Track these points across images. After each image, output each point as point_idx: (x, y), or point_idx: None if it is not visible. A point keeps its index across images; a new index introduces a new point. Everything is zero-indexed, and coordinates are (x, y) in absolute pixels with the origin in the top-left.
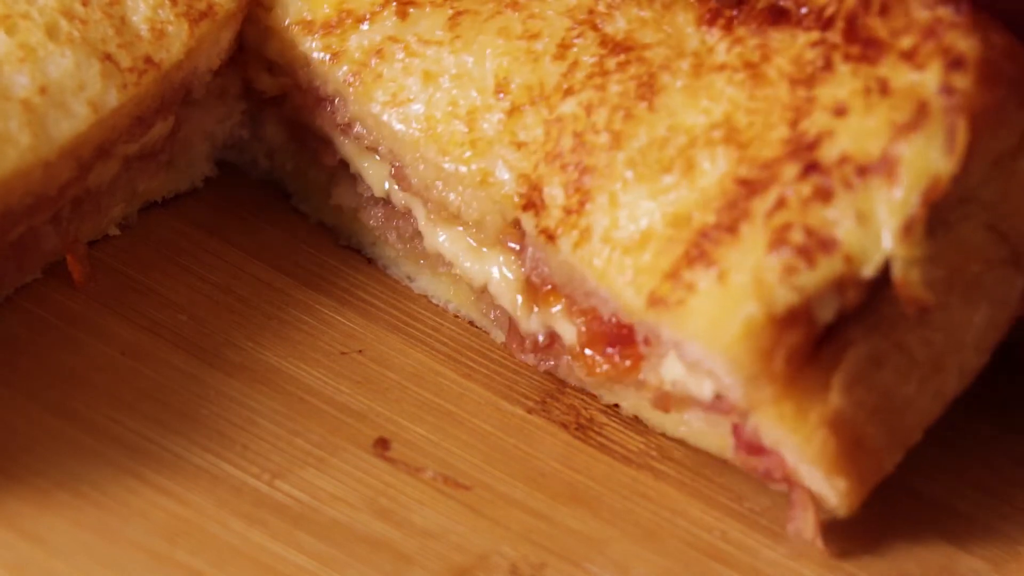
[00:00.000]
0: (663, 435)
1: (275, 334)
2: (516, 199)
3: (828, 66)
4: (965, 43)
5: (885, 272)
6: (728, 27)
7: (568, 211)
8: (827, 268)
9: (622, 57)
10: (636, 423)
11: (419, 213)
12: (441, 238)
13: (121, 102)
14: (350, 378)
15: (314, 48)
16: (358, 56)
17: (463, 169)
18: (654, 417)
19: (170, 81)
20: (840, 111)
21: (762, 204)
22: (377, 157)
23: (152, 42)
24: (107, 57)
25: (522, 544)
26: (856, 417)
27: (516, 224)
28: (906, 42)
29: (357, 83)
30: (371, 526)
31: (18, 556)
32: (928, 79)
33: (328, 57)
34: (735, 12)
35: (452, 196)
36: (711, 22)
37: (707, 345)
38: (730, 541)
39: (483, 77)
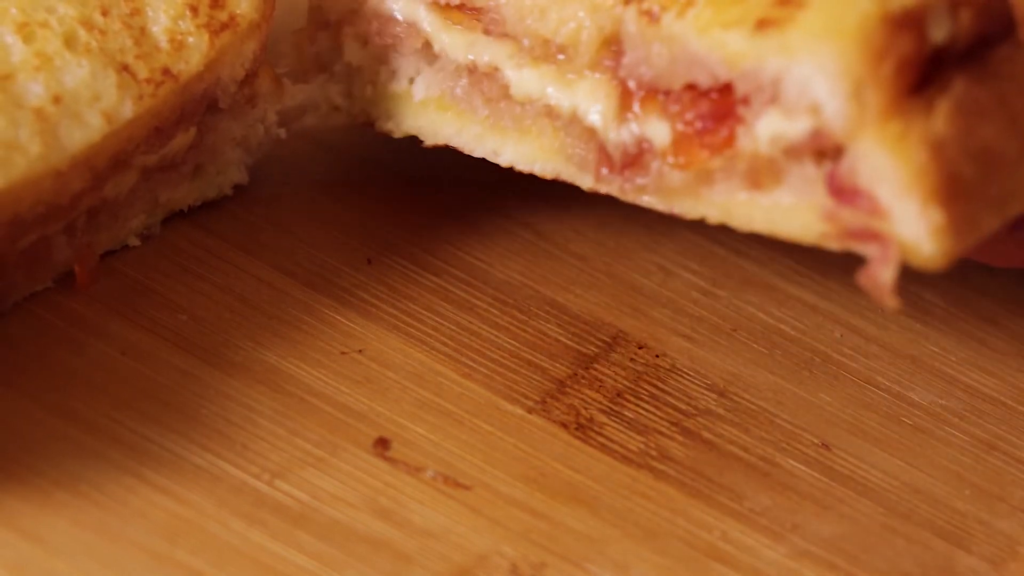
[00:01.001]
0: (749, 234)
1: (275, 334)
2: (621, 3)
3: None
4: None
5: (1004, 28)
6: None
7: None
8: None
9: None
10: (636, 423)
11: (506, 64)
12: (530, 79)
13: (137, 113)
14: (350, 378)
15: None
16: None
17: None
18: (742, 213)
19: (190, 92)
20: None
21: None
22: (456, 28)
23: (171, 53)
24: (124, 68)
25: (522, 544)
26: (956, 151)
27: (609, 41)
28: None
29: None
30: (371, 526)
31: (18, 555)
32: None
33: None
34: None
35: (548, 21)
36: None
37: (818, 52)
38: (730, 541)
39: None
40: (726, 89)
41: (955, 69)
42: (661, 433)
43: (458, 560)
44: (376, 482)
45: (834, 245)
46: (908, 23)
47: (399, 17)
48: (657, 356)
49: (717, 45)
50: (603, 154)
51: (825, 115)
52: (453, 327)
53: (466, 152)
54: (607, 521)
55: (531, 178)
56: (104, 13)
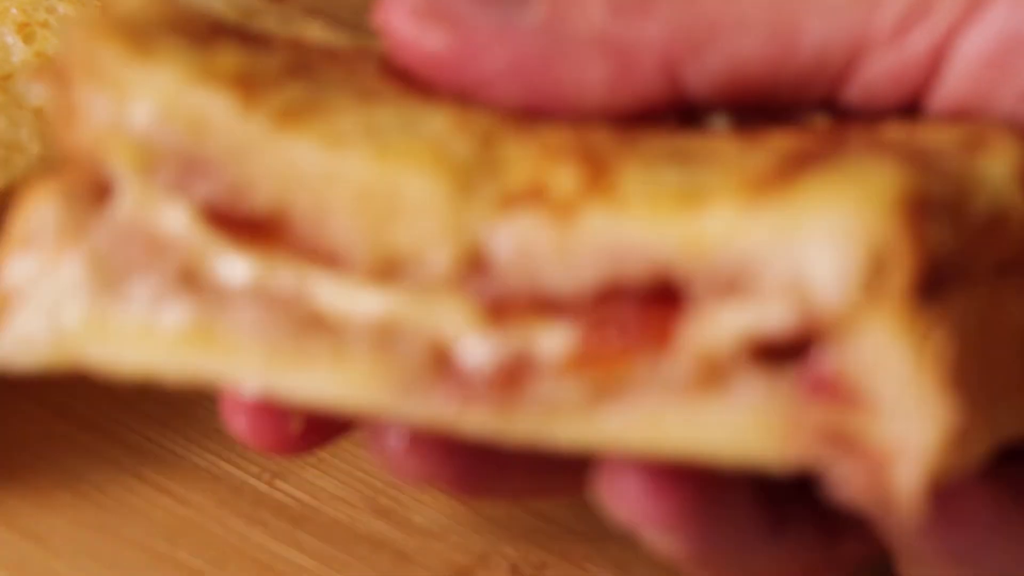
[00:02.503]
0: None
1: None
2: (493, 209)
3: None
4: None
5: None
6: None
7: (589, 185)
8: (943, 180)
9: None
10: None
11: (318, 285)
12: (355, 297)
13: None
14: None
15: (221, 101)
16: (277, 105)
17: (431, 184)
18: (654, 433)
19: None
20: None
21: (859, 144)
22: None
23: None
24: None
25: (523, 544)
26: (969, 364)
27: (471, 258)
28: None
29: (283, 131)
30: (371, 526)
31: (19, 555)
32: None
33: (235, 110)
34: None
35: (391, 236)
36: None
37: (841, 217)
38: None
39: (434, 122)
40: (664, 287)
41: (965, 280)
42: None
43: (458, 560)
44: (376, 482)
45: (782, 461)
46: (931, 209)
47: (158, 236)
48: None
49: (675, 228)
50: (460, 376)
51: (822, 300)
52: None
53: (243, 391)
54: (607, 521)
55: None
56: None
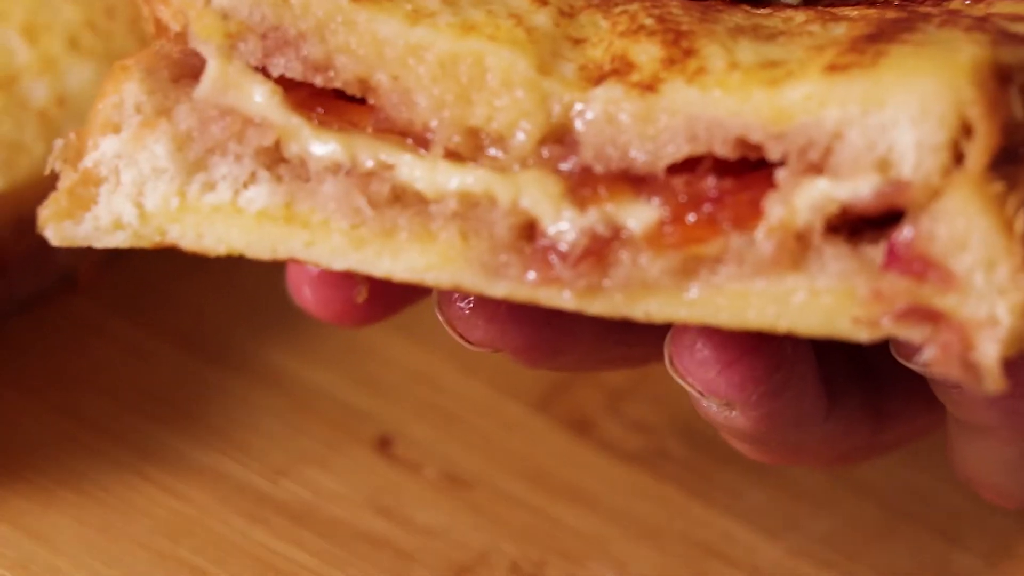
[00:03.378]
0: (753, 331)
1: (277, 333)
2: (577, 84)
3: None
4: None
5: None
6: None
7: (671, 61)
8: (1018, 51)
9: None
10: (636, 422)
11: (404, 161)
12: (443, 173)
13: None
14: (352, 377)
15: None
16: None
17: (515, 58)
18: (737, 307)
19: None
20: None
21: (932, 22)
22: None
23: None
24: None
25: (523, 542)
26: None
27: (556, 131)
28: None
29: (366, 3)
30: (373, 524)
31: (22, 554)
32: None
33: None
34: None
35: (477, 109)
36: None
37: (926, 86)
38: (729, 539)
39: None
40: (742, 161)
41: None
42: (660, 431)
43: (459, 558)
44: (378, 480)
45: (865, 334)
46: (1008, 81)
47: (242, 114)
48: None
49: (759, 100)
50: (543, 252)
51: (903, 169)
52: None
53: (322, 267)
54: (607, 519)
55: None
56: (110, 17)
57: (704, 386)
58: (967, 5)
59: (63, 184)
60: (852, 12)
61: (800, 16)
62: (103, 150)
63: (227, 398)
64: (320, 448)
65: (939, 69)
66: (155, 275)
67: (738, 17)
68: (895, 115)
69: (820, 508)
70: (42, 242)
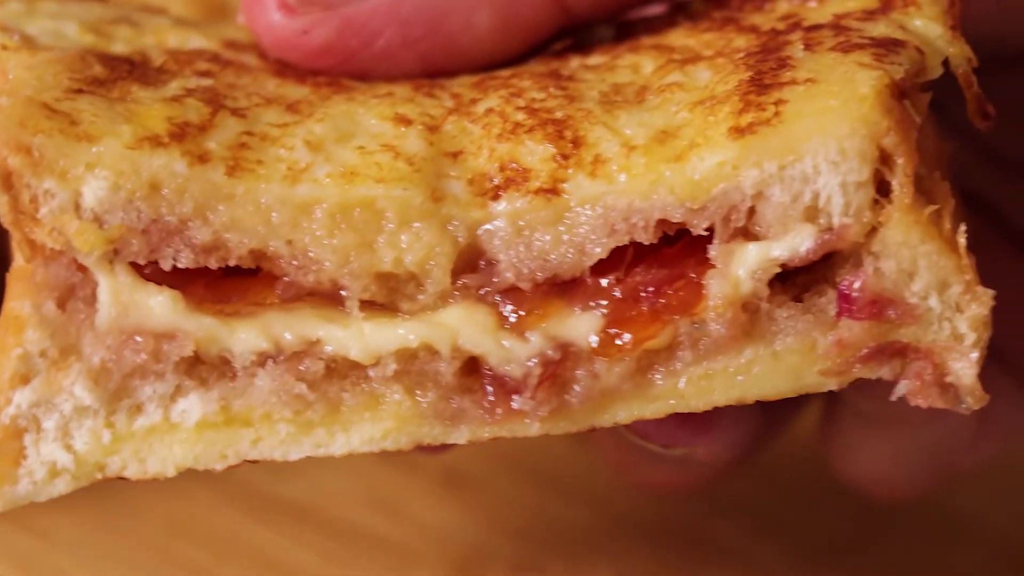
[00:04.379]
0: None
1: None
2: (477, 198)
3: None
4: None
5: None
6: (605, 50)
7: (564, 156)
8: (907, 57)
9: (509, 81)
10: None
11: (326, 333)
12: (372, 332)
13: None
14: None
15: (171, 160)
16: (225, 153)
17: (409, 194)
18: (702, 388)
19: None
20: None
21: (795, 47)
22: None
23: None
24: None
25: (523, 541)
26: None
27: (466, 252)
28: None
29: (241, 175)
30: (373, 522)
31: (24, 552)
32: None
33: (188, 164)
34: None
35: (380, 254)
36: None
37: (838, 126)
38: (728, 539)
39: (369, 127)
40: (666, 242)
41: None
42: None
43: (459, 556)
44: (378, 479)
45: (835, 383)
46: (903, 92)
47: (149, 333)
48: None
49: (666, 183)
50: (497, 387)
51: (832, 214)
52: None
53: (278, 460)
54: (607, 519)
55: None
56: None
57: (669, 441)
58: (798, 6)
59: None
60: (692, 43)
61: (647, 63)
62: (17, 402)
63: None
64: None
65: (846, 107)
66: None
67: (589, 79)
68: (814, 163)
69: (820, 509)
70: None
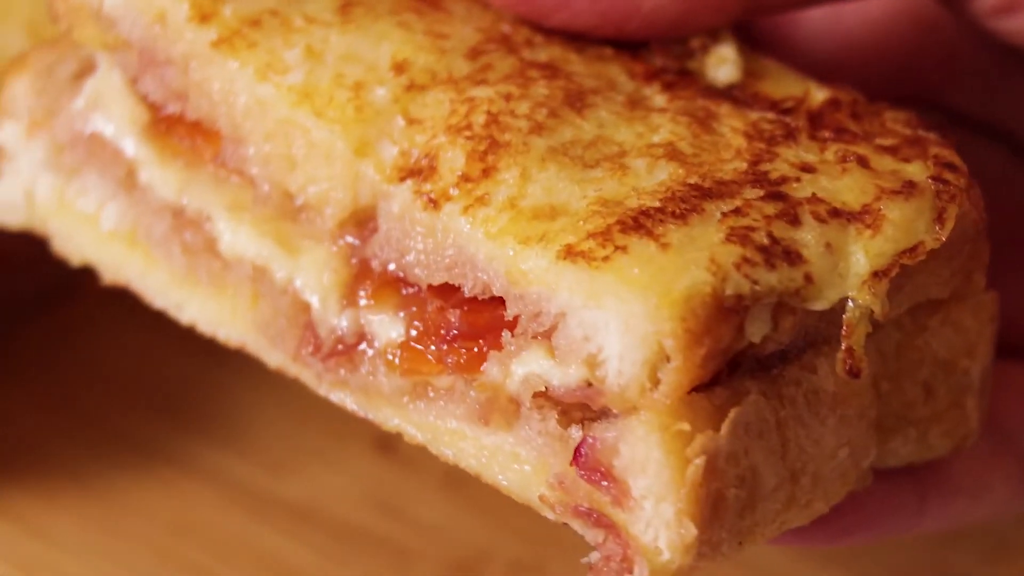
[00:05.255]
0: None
1: None
2: (389, 172)
3: (791, 136)
4: (955, 159)
5: (802, 345)
6: (668, 88)
7: (466, 178)
8: (786, 276)
9: (547, 72)
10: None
11: (219, 216)
12: (246, 237)
13: None
14: None
15: (178, 4)
16: (232, 23)
17: (334, 137)
18: (451, 442)
19: None
20: (807, 168)
21: (719, 207)
22: (173, 161)
23: None
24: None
25: (522, 540)
26: (728, 469)
27: (360, 214)
28: (887, 141)
29: (223, 46)
30: (373, 521)
31: (25, 552)
32: (915, 170)
33: (190, 15)
34: (675, 78)
35: (296, 174)
36: (648, 79)
37: (631, 303)
38: None
39: (376, 58)
40: (489, 304)
41: (749, 377)
42: None
43: (459, 555)
44: (378, 478)
45: (549, 513)
46: (734, 311)
47: (104, 137)
48: None
49: (507, 256)
50: (309, 334)
51: (607, 373)
52: None
53: (146, 299)
54: None
55: None
56: None
57: None
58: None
59: None
60: (726, 132)
61: (663, 133)
62: (6, 132)
63: (230, 397)
64: (321, 446)
65: (651, 289)
66: None
67: (593, 118)
68: (607, 319)
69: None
70: (45, 243)
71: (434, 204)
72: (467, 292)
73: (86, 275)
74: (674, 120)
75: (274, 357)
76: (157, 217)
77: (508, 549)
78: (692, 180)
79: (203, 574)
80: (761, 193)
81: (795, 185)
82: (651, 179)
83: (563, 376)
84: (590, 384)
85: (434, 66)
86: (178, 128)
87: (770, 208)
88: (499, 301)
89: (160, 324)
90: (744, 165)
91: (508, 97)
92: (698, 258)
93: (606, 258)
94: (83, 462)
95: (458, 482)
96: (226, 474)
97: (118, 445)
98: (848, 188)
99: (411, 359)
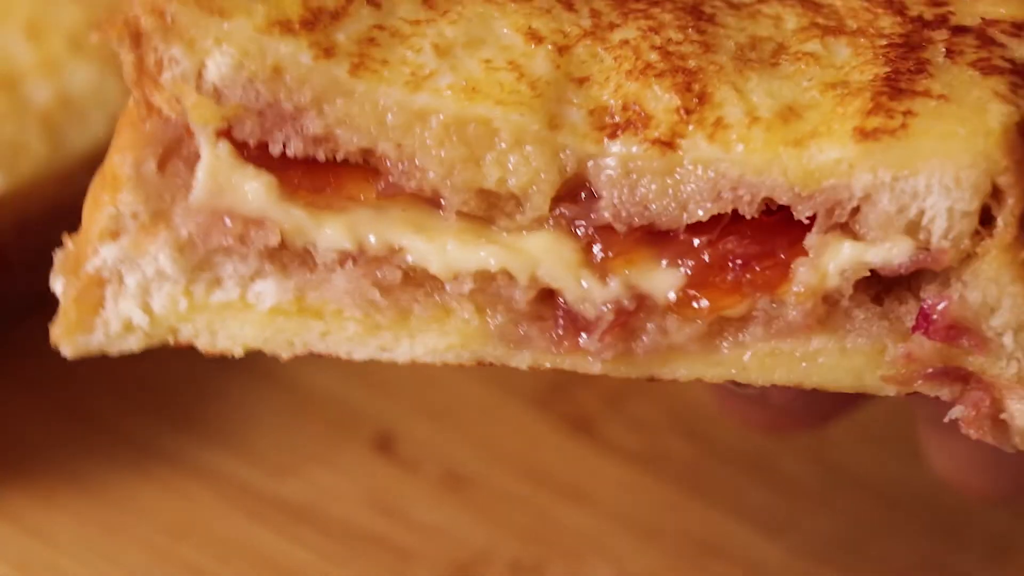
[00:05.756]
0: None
1: None
2: (590, 134)
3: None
4: None
5: None
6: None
7: (687, 111)
8: None
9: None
10: (635, 421)
11: (410, 243)
12: (453, 250)
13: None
14: (351, 376)
15: (297, 50)
16: (353, 48)
17: (524, 119)
18: (764, 365)
19: None
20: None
21: (933, 54)
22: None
23: None
24: None
25: (523, 540)
26: None
27: (570, 184)
28: None
29: (364, 74)
30: (373, 522)
31: (23, 552)
32: None
33: (314, 55)
34: None
35: (486, 170)
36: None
37: (958, 155)
38: (728, 537)
39: (500, 36)
40: (766, 220)
41: None
42: (660, 431)
43: (458, 556)
44: (378, 479)
45: (893, 391)
46: None
47: (238, 217)
48: None
49: (785, 163)
50: (570, 320)
51: (933, 234)
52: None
53: (342, 357)
54: (607, 519)
55: None
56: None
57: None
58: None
59: (67, 296)
60: (839, 4)
61: (790, 18)
62: (104, 256)
63: (228, 397)
64: (320, 447)
65: (971, 138)
66: None
67: (729, 24)
68: (927, 182)
69: (820, 508)
70: (45, 243)
71: (669, 146)
72: (747, 214)
73: None
74: (783, 4)
75: (524, 358)
76: (332, 274)
77: (508, 549)
78: (881, 44)
79: (202, 575)
80: (947, 33)
81: (965, 17)
82: (843, 55)
83: (886, 254)
84: (923, 250)
85: (556, 26)
86: (317, 175)
87: (971, 40)
88: (775, 214)
89: None
90: (901, 20)
91: (652, 30)
92: (980, 96)
93: (903, 126)
94: (81, 462)
95: (458, 482)
96: (225, 475)
97: (117, 445)
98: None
99: (703, 299)
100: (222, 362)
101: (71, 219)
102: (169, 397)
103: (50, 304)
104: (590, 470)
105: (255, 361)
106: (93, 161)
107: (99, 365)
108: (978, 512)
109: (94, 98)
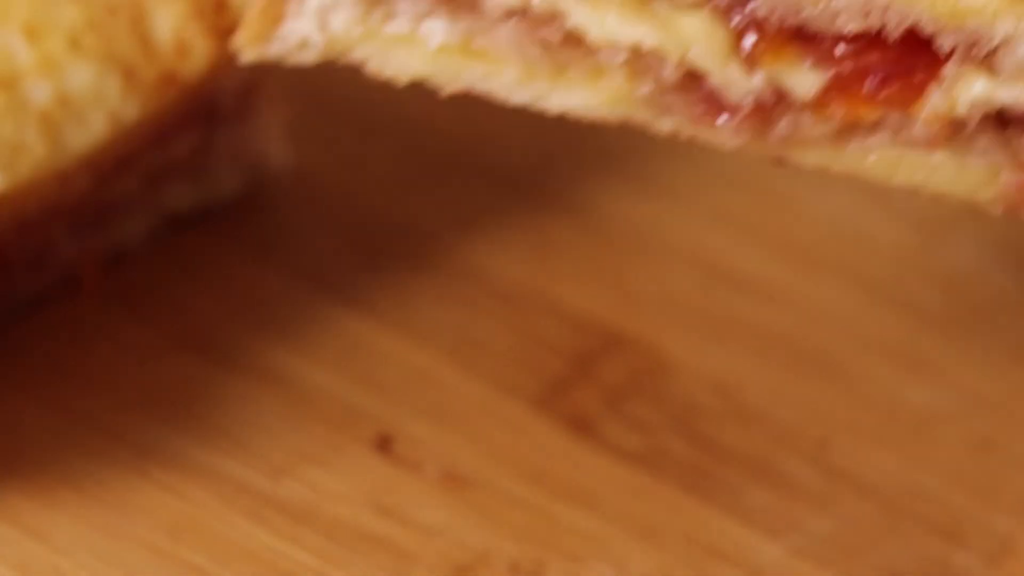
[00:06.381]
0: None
1: (278, 334)
2: None
3: None
4: None
5: None
6: None
7: None
8: None
9: None
10: (635, 421)
11: (574, 8)
12: (612, 20)
13: (140, 116)
14: (352, 376)
15: None
16: None
17: None
18: (888, 166)
19: (192, 97)
20: None
21: None
22: None
23: (175, 58)
24: (129, 71)
25: (522, 541)
26: None
27: None
28: None
29: None
30: (373, 523)
31: (23, 553)
32: None
33: None
34: None
35: None
36: None
37: None
38: (728, 538)
39: None
40: (909, 43)
41: None
42: (660, 431)
43: (459, 557)
44: (378, 479)
45: (1001, 210)
46: None
47: None
48: (657, 354)
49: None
50: (712, 100)
51: None
52: (454, 325)
53: (496, 98)
54: (607, 519)
55: (531, 177)
56: (111, 15)
57: None
58: None
59: (253, 6)
60: None
61: None
62: None
63: (227, 397)
64: (320, 447)
65: None
66: (157, 275)
67: None
68: None
69: (820, 508)
70: (44, 243)
71: None
72: (891, 34)
73: (86, 275)
74: None
75: (667, 123)
76: (498, 24)
77: (508, 550)
78: None
79: (201, 575)
80: None
81: None
82: None
83: (1018, 94)
84: None
85: None
86: None
87: None
88: (918, 41)
89: (158, 324)
90: None
91: None
92: None
93: None
94: (81, 463)
95: (458, 482)
96: (224, 476)
97: (116, 446)
98: None
99: (840, 103)
100: (222, 362)
101: (71, 219)
102: (169, 398)
103: (51, 304)
104: (590, 470)
105: (255, 361)
106: (91, 160)
107: (99, 365)
108: (978, 512)
109: (93, 98)
